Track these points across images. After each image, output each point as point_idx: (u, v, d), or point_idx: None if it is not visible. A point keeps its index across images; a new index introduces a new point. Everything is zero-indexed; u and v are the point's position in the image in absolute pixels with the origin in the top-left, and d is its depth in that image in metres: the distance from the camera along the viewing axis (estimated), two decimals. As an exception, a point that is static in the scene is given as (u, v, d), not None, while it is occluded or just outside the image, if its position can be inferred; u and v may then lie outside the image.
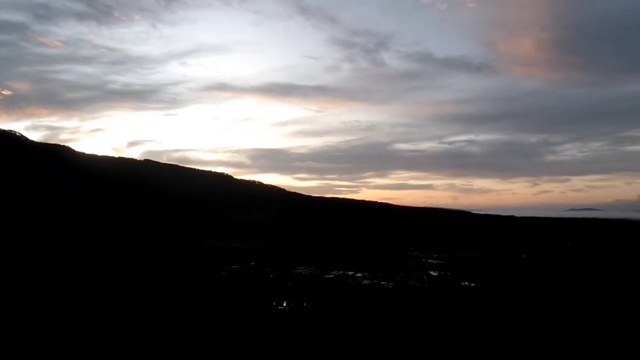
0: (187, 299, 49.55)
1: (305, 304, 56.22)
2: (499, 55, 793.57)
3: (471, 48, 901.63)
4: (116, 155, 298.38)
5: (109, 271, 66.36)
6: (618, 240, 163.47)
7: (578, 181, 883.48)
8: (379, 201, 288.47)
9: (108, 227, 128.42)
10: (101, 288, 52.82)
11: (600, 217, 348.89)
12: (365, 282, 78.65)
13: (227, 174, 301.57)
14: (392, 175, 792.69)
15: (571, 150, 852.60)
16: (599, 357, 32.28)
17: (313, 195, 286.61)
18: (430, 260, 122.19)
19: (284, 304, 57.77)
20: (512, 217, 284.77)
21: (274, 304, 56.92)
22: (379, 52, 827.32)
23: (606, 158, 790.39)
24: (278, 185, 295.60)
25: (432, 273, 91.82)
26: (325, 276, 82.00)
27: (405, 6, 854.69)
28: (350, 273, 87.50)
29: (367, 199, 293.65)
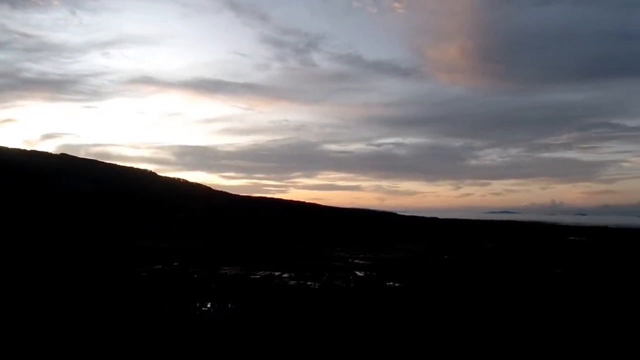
0: (102, 302, 46.63)
1: (230, 305, 54.75)
2: (426, 61, 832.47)
3: (400, 53, 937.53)
4: (28, 149, 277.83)
5: (13, 273, 61.36)
6: (532, 242, 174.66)
7: (498, 185, 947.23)
8: (307, 201, 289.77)
9: (17, 225, 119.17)
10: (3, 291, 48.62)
11: (516, 220, 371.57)
12: (292, 282, 78.03)
13: (151, 171, 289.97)
14: (320, 176, 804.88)
15: (492, 155, 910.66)
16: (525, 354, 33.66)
17: (240, 194, 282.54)
18: (356, 261, 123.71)
19: (208, 305, 55.94)
20: (436, 218, 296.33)
21: (197, 305, 54.99)
22: (309, 52, 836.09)
23: (523, 164, 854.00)
24: (204, 184, 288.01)
25: (358, 273, 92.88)
26: (252, 276, 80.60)
27: (337, 8, 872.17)
28: (277, 273, 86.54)
29: (295, 199, 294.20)
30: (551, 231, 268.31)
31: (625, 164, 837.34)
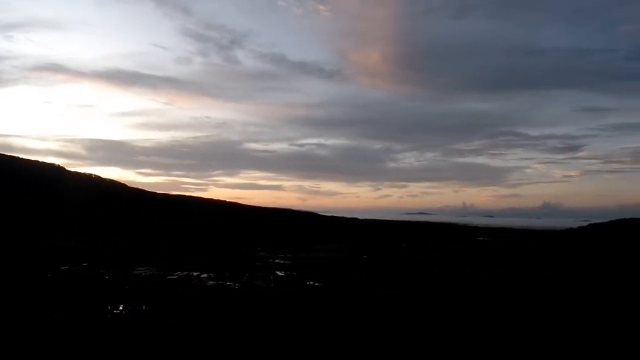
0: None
1: (145, 308, 52.39)
2: (350, 65, 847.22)
3: (324, 55, 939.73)
4: None
5: None
6: (443, 242, 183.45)
7: (415, 187, 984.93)
8: (228, 201, 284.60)
9: None
10: None
11: (431, 221, 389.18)
12: (211, 282, 76.42)
13: (59, 166, 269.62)
14: (242, 175, 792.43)
15: (410, 159, 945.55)
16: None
17: (158, 192, 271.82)
18: (277, 261, 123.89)
19: (121, 308, 53.17)
20: (356, 219, 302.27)
21: (109, 308, 52.12)
22: (233, 49, 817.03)
23: (438, 168, 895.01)
24: (119, 181, 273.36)
25: (279, 273, 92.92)
26: (169, 277, 77.92)
27: (262, 7, 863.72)
28: (196, 274, 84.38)
29: (216, 198, 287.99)
30: (463, 232, 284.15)
31: (528, 170, 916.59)
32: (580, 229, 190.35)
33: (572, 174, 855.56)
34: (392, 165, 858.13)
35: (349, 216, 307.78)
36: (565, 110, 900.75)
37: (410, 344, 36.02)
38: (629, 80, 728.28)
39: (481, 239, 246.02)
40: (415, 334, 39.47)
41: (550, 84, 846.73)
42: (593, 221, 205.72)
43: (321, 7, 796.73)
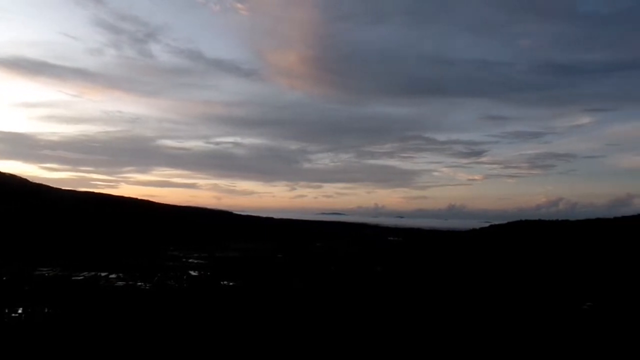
0: None
1: (46, 310, 49.67)
2: (267, 64, 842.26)
3: (242, 53, 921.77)
4: None
5: None
6: (356, 242, 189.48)
7: (329, 188, 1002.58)
8: (139, 198, 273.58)
9: None
10: None
11: (345, 221, 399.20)
12: (120, 283, 73.66)
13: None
14: (154, 172, 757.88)
15: (324, 160, 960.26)
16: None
17: (64, 188, 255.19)
18: (191, 260, 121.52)
19: (19, 311, 49.99)
20: (272, 218, 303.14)
21: (6, 311, 48.82)
22: (147, 42, 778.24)
23: (352, 169, 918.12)
24: (20, 175, 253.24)
25: (193, 273, 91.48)
26: (74, 278, 74.14)
27: (179, 1, 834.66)
28: (104, 274, 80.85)
29: (126, 195, 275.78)
30: (374, 231, 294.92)
31: (435, 173, 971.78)
32: (482, 229, 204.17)
33: (476, 177, 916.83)
34: (307, 165, 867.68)
35: (264, 215, 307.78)
36: (470, 118, 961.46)
37: (313, 337, 37.70)
38: (527, 92, 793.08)
39: (392, 238, 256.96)
40: (318, 326, 41.25)
41: (457, 92, 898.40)
42: (493, 222, 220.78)
43: (239, 5, 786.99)
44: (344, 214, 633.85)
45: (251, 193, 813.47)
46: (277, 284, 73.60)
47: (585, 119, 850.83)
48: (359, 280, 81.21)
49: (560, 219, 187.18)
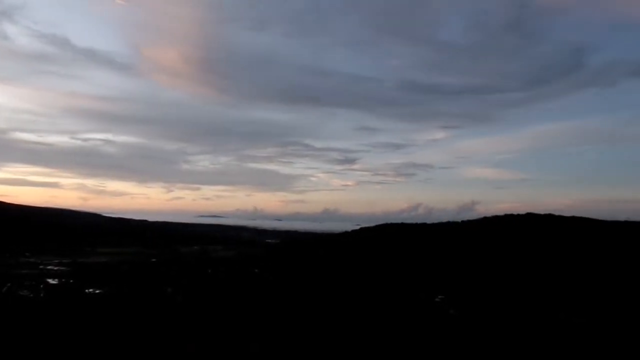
0: None
1: None
2: (146, 60, 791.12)
3: (117, 45, 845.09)
4: None
5: None
6: (234, 244, 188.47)
7: (208, 190, 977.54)
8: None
9: None
10: None
11: (223, 224, 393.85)
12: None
13: None
14: (7, 169, 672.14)
15: (204, 162, 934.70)
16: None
17: None
18: (50, 267, 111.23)
19: None
20: (146, 221, 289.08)
21: None
22: (1, 22, 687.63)
23: (232, 172, 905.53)
24: None
25: (52, 281, 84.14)
26: None
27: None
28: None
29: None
30: (252, 234, 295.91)
31: (313, 178, 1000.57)
32: (353, 231, 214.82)
33: (348, 183, 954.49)
34: (185, 167, 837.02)
35: (138, 218, 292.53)
36: (345, 127, 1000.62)
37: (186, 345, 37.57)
38: (394, 107, 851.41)
39: (269, 240, 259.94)
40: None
41: (334, 102, 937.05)
42: (363, 225, 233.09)
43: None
44: (222, 217, 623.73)
45: (123, 194, 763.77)
46: (149, 291, 70.79)
47: (440, 134, 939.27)
48: (236, 283, 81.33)
49: (419, 222, 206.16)
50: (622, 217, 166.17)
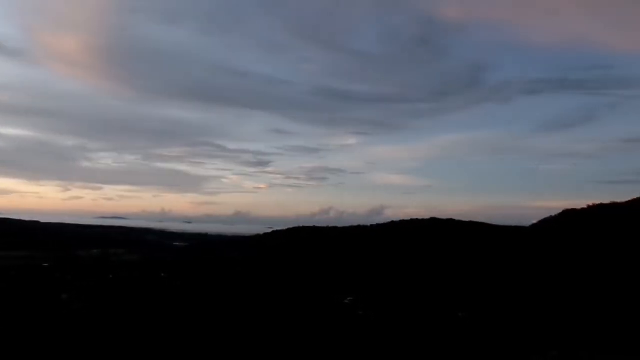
0: None
1: None
2: (40, 46, 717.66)
3: (6, 28, 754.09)
4: None
5: None
6: (139, 248, 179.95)
7: (111, 190, 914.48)
8: None
9: None
10: None
11: (126, 225, 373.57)
12: None
13: None
14: None
15: (107, 160, 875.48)
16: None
17: None
18: None
19: None
20: (37, 222, 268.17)
21: None
22: None
23: (137, 171, 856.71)
24: None
25: None
26: None
27: None
28: None
29: None
30: (159, 237, 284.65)
31: (225, 180, 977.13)
32: (266, 234, 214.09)
33: (261, 185, 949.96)
34: (85, 164, 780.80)
35: (28, 219, 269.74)
36: (258, 129, 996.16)
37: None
38: (307, 111, 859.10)
39: (178, 243, 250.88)
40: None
41: (247, 104, 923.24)
42: (275, 228, 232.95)
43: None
44: (127, 218, 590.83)
45: (11, 192, 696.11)
46: (41, 298, 65.38)
47: (351, 140, 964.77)
48: (140, 288, 77.43)
49: (330, 225, 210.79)
50: (512, 222, 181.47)
